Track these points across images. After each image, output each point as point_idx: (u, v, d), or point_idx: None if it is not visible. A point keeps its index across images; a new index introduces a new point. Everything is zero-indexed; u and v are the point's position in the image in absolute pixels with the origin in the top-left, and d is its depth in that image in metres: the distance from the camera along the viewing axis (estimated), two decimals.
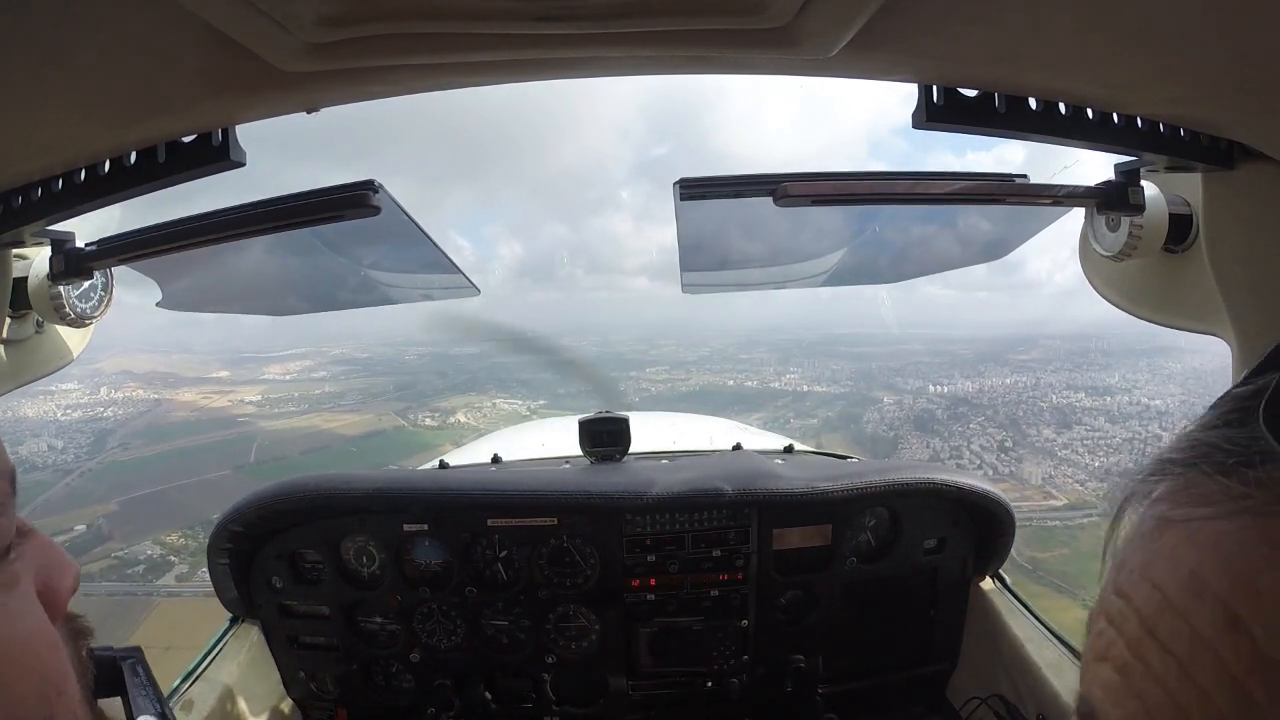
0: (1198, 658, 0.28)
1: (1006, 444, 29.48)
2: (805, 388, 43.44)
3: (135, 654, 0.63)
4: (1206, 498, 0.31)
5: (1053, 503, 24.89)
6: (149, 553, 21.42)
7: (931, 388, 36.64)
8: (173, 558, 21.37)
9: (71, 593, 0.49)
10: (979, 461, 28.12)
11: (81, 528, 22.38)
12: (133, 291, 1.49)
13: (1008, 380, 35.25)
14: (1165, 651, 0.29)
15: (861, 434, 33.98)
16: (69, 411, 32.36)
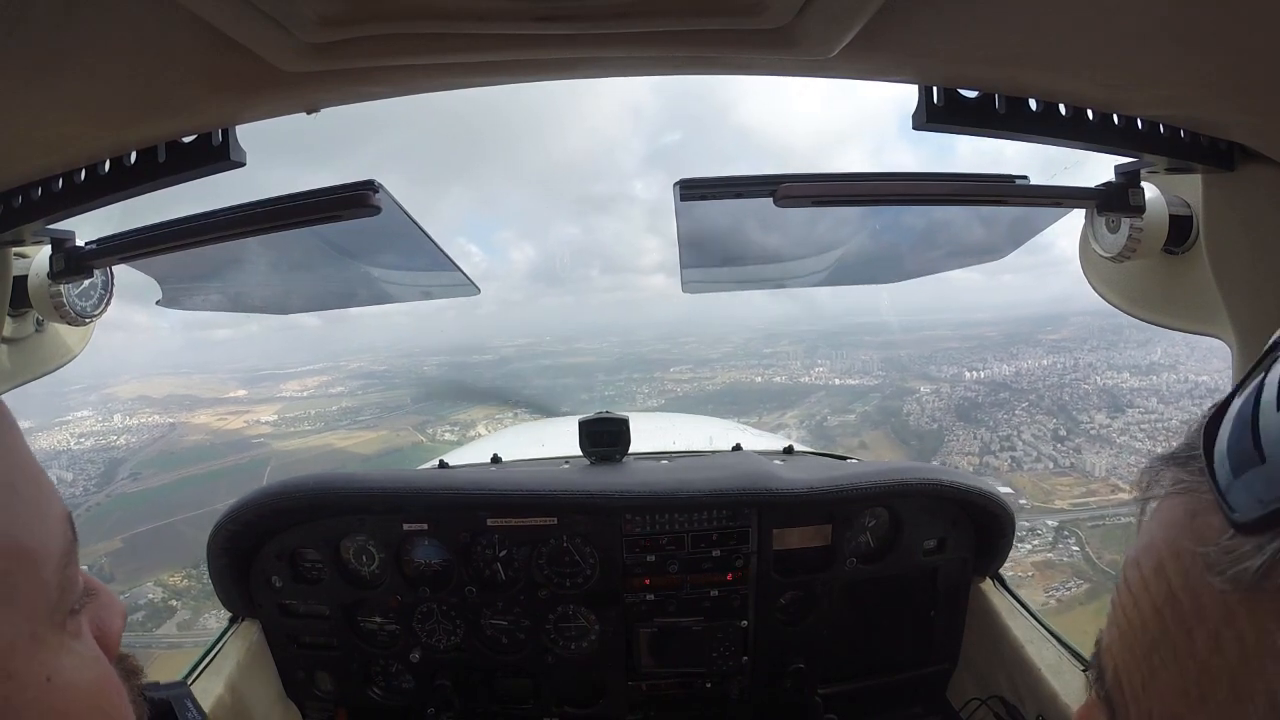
0: (1141, 596, 0.40)
1: (1060, 432, 27.74)
2: (837, 381, 42.01)
3: (183, 689, 0.64)
4: (1169, 483, 0.42)
5: (1121, 495, 22.94)
6: (150, 596, 20.34)
7: (967, 374, 35.23)
8: (174, 602, 20.29)
9: (121, 633, 0.49)
10: (1035, 453, 26.63)
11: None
12: (144, 311, 1.49)
13: (1044, 362, 33.74)
14: (1129, 590, 0.42)
15: (904, 428, 32.67)
16: (81, 440, 31.60)
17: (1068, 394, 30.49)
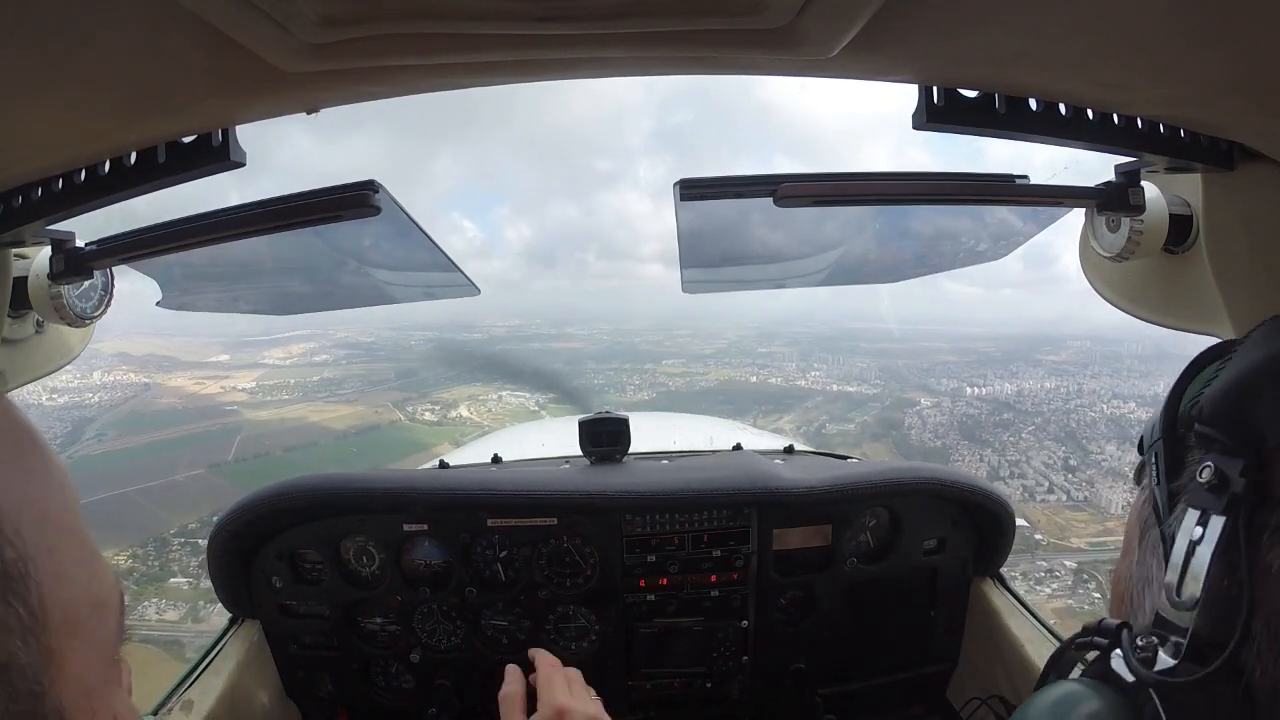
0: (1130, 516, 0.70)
1: (1071, 461, 27.32)
2: (835, 387, 41.27)
3: None
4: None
5: None
6: None
7: (969, 389, 34.78)
8: None
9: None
10: (1048, 483, 26.06)
11: None
12: (131, 278, 1.48)
13: (1047, 384, 33.26)
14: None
15: (905, 442, 32.02)
16: (54, 396, 30.26)
17: (1074, 420, 29.98)
